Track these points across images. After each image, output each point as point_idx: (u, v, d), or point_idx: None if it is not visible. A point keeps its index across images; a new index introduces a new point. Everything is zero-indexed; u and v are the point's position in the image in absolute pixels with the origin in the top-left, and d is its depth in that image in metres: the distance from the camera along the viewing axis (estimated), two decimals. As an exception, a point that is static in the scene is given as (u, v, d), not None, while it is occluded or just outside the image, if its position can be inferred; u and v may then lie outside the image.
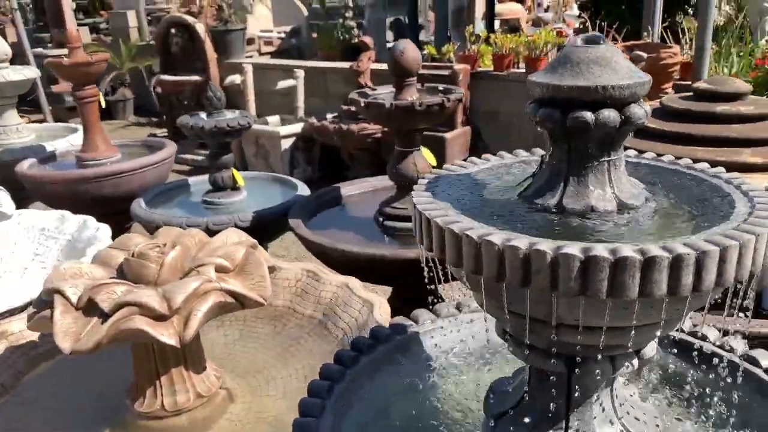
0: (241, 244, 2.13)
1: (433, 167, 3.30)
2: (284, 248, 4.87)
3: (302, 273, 2.80)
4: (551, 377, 1.30)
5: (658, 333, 1.19)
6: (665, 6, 6.49)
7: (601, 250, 0.96)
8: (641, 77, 1.15)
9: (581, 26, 7.94)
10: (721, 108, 2.15)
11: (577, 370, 1.26)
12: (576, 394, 1.30)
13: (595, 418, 1.33)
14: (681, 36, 6.33)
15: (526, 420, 1.36)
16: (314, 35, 9.05)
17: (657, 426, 1.37)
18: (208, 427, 2.06)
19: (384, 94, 3.25)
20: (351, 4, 8.33)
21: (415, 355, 1.79)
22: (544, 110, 1.18)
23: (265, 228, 3.47)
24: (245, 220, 3.36)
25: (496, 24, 9.49)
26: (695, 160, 2.15)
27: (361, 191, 3.70)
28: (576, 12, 11.40)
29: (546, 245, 0.98)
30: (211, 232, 2.28)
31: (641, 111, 1.15)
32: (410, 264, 2.78)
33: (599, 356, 1.21)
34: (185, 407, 2.03)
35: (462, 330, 1.86)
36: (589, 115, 1.13)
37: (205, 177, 4.01)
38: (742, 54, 5.67)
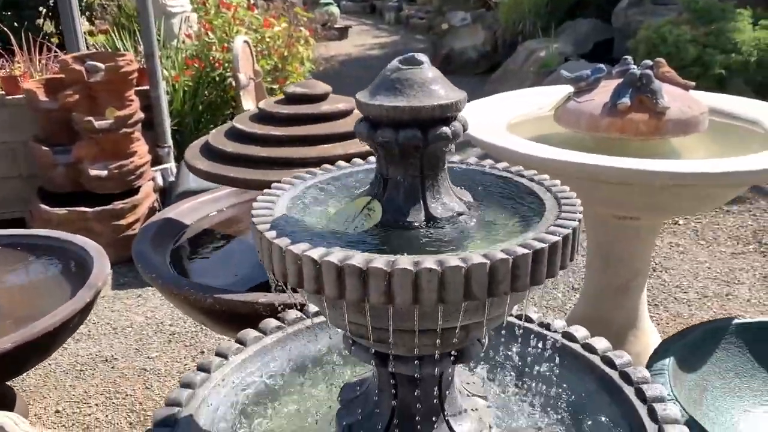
0: None
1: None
2: None
3: None
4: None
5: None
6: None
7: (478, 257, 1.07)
8: (460, 90, 1.28)
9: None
10: (324, 108, 2.39)
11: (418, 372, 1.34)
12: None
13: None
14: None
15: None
16: None
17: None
18: None
19: None
20: None
21: None
22: (405, 132, 1.19)
23: None
24: None
25: None
26: (296, 159, 2.32)
27: None
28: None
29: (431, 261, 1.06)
30: None
31: (465, 119, 1.29)
32: None
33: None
34: None
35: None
36: (447, 129, 1.22)
37: None
38: (170, 57, 6.05)
